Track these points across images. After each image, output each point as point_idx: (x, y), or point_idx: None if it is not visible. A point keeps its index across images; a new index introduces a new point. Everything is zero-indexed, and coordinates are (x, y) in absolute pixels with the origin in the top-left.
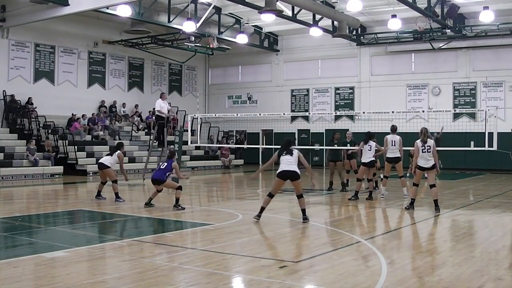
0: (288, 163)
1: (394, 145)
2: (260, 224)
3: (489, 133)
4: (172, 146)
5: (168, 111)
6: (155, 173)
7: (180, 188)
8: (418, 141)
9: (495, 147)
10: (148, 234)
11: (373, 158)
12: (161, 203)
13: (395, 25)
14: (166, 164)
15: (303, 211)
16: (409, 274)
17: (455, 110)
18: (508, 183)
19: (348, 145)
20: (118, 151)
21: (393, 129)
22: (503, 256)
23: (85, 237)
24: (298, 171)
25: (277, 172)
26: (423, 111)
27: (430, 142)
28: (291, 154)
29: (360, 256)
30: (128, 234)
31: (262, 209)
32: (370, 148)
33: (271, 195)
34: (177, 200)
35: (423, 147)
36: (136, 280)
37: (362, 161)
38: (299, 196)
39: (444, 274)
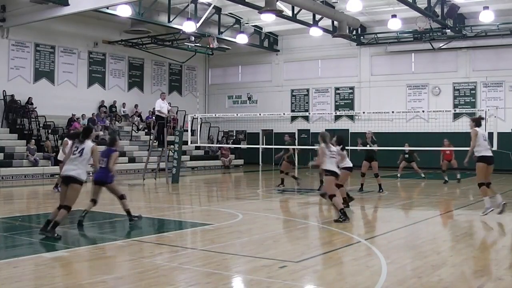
0: (70, 164)
1: (485, 140)
2: (260, 224)
3: (489, 133)
4: (172, 146)
5: (168, 111)
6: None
7: (123, 197)
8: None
9: (495, 147)
10: (148, 234)
11: (351, 164)
12: (160, 203)
13: (395, 25)
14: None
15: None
16: (409, 274)
17: (455, 110)
18: (508, 183)
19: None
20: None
21: (479, 122)
22: (503, 256)
23: (85, 237)
24: (75, 174)
25: None
26: (423, 111)
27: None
28: (81, 152)
29: (360, 256)
30: (128, 234)
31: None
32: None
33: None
34: (128, 212)
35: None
36: (136, 280)
37: (347, 165)
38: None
39: (444, 274)
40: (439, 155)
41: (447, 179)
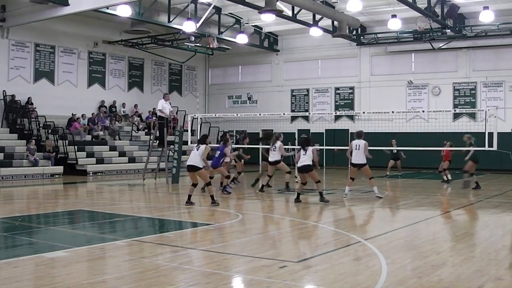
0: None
1: (358, 149)
2: (260, 224)
3: (489, 133)
4: (172, 146)
5: (170, 112)
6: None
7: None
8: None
9: (495, 147)
10: (148, 234)
11: (307, 163)
12: (160, 203)
13: (395, 25)
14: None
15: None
16: (409, 274)
17: (455, 110)
18: (508, 183)
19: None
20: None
21: (359, 135)
22: (503, 256)
23: (85, 237)
24: (195, 163)
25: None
26: (423, 111)
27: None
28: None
29: (360, 256)
30: (128, 234)
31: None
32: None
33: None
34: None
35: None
36: (136, 280)
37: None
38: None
39: (444, 274)
40: (439, 155)
41: (446, 178)
